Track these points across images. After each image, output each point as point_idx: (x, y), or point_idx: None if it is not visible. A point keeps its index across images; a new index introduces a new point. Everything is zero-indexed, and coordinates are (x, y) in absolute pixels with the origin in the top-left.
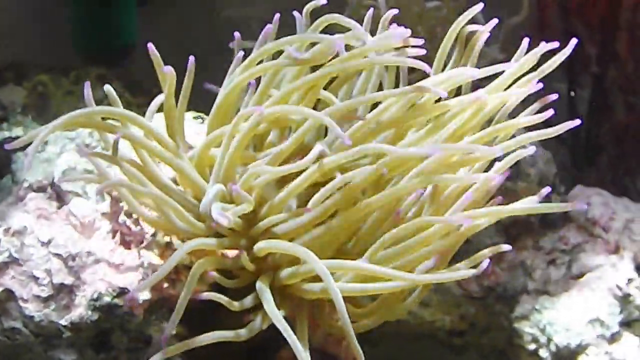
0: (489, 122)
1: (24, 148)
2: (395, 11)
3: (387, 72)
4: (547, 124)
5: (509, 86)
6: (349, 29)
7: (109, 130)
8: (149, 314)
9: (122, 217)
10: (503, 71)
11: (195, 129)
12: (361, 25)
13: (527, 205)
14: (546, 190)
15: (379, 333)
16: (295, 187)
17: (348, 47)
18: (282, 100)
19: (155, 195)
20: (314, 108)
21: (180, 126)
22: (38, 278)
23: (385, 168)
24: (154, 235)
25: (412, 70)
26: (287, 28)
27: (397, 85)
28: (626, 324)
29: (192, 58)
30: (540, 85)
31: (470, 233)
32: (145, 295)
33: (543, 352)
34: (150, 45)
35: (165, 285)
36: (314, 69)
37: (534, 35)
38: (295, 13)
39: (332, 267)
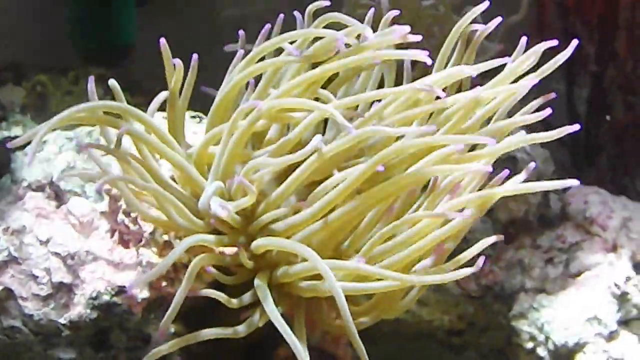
0: (488, 122)
1: (23, 147)
2: (396, 12)
3: (389, 70)
4: (546, 123)
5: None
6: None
7: (112, 125)
8: (148, 312)
9: (120, 216)
10: (501, 68)
11: (192, 128)
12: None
13: (520, 185)
14: (532, 165)
15: (377, 332)
16: (294, 179)
17: (348, 47)
18: (281, 98)
19: (155, 190)
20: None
21: (181, 123)
22: (37, 277)
23: (381, 166)
24: (152, 234)
25: (412, 67)
26: (287, 28)
27: (399, 84)
28: (624, 323)
29: (195, 56)
30: (536, 80)
31: (464, 225)
32: (143, 294)
33: (541, 351)
34: (163, 40)
35: (164, 283)
36: (315, 66)
37: (533, 34)
38: (296, 13)
39: (332, 267)
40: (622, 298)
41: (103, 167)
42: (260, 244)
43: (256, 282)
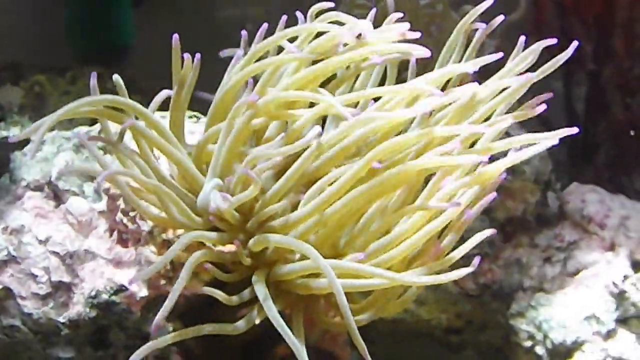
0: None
1: (22, 147)
2: (399, 14)
3: (390, 70)
4: (545, 122)
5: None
6: None
7: (115, 120)
8: (147, 311)
9: (119, 216)
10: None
11: (190, 128)
12: None
13: (512, 156)
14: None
15: (376, 332)
16: (292, 173)
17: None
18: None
19: (156, 186)
20: (310, 106)
21: (182, 122)
22: (36, 276)
23: (378, 163)
24: (151, 232)
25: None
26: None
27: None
28: (622, 321)
29: (197, 55)
30: (531, 75)
31: (461, 217)
32: (142, 293)
33: (539, 349)
34: (176, 36)
35: (163, 282)
36: (315, 63)
37: (531, 33)
38: (298, 13)
39: (334, 267)
40: (620, 296)
41: (103, 163)
42: (259, 241)
43: (254, 279)
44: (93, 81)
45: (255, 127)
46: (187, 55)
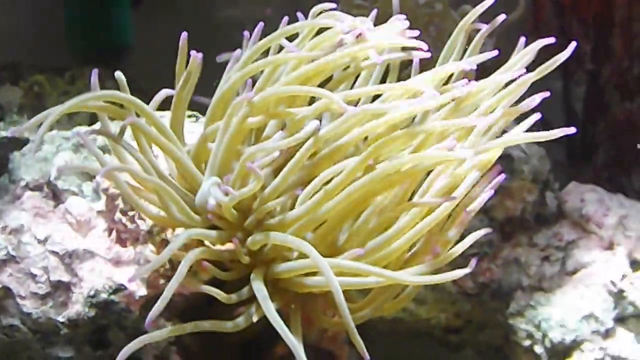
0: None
1: (21, 147)
2: (403, 17)
3: (392, 70)
4: (543, 122)
5: (506, 84)
6: None
7: (117, 115)
8: (146, 310)
9: (117, 215)
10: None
11: (189, 127)
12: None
13: (509, 137)
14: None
15: (375, 331)
16: (290, 168)
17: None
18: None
19: (156, 183)
20: (310, 105)
21: (182, 121)
22: (35, 275)
23: (372, 160)
24: (149, 232)
25: (409, 63)
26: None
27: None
28: (620, 320)
29: (200, 54)
30: (524, 71)
31: (451, 209)
32: (141, 292)
33: (538, 348)
34: (184, 35)
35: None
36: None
37: (530, 33)
38: (299, 14)
39: (332, 266)
40: (619, 295)
41: (102, 161)
42: (257, 239)
43: (252, 278)
44: (94, 78)
45: (254, 125)
46: (194, 53)
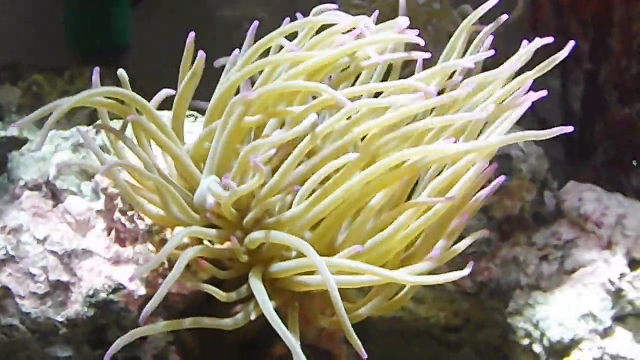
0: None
1: (19, 147)
2: (406, 19)
3: (394, 70)
4: (541, 121)
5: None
6: None
7: (121, 112)
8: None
9: (116, 215)
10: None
11: (188, 127)
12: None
13: (507, 136)
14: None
15: (374, 330)
16: (288, 165)
17: None
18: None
19: (157, 180)
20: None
21: (183, 120)
22: (34, 275)
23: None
24: (148, 231)
25: (408, 63)
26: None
27: None
28: (619, 319)
29: (202, 52)
30: (530, 81)
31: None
32: (140, 291)
33: (536, 347)
34: (191, 35)
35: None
36: None
37: (528, 32)
38: (298, 14)
39: (329, 264)
40: (617, 294)
41: (102, 159)
42: (255, 237)
43: (251, 277)
44: (95, 76)
45: (253, 124)
46: (200, 53)
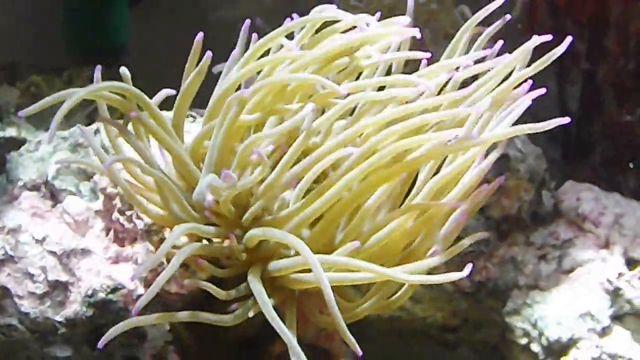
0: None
1: (18, 147)
2: (408, 19)
3: (395, 70)
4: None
5: (502, 81)
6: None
7: (125, 108)
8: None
9: (115, 215)
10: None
11: (186, 127)
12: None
13: (505, 130)
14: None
15: (373, 330)
16: (285, 162)
17: None
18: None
19: (158, 176)
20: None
21: (183, 119)
22: (33, 275)
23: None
24: (147, 231)
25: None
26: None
27: None
28: (617, 318)
29: (209, 53)
30: (525, 70)
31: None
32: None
33: (535, 347)
34: (199, 36)
35: None
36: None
37: (524, 33)
38: (295, 15)
39: (325, 262)
40: (615, 294)
41: (102, 157)
42: (252, 234)
43: (249, 275)
44: (97, 74)
45: (251, 122)
46: (208, 53)
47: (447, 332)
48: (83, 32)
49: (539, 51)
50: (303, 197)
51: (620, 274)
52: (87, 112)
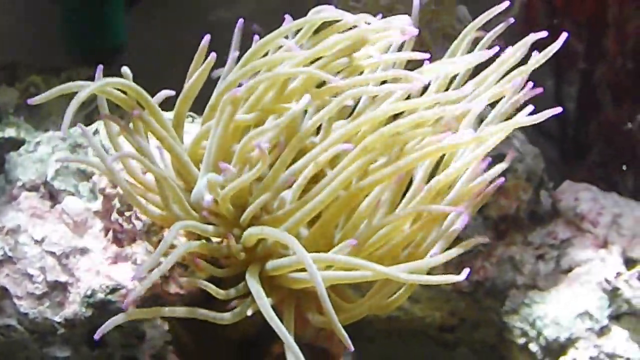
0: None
1: (17, 148)
2: (410, 19)
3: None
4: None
5: (500, 79)
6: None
7: (128, 106)
8: None
9: (114, 215)
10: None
11: (185, 127)
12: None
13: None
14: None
15: (371, 330)
16: (283, 161)
17: None
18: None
19: (159, 174)
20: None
21: (183, 120)
22: (32, 276)
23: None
24: (146, 232)
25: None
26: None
27: None
28: (615, 318)
29: (213, 54)
30: (523, 68)
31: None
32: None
33: (533, 346)
34: (206, 39)
35: (159, 281)
36: (314, 63)
37: (522, 33)
38: (287, 16)
39: (324, 260)
40: (613, 293)
41: (102, 156)
42: (251, 232)
43: (247, 274)
44: (99, 73)
45: (250, 122)
46: (212, 54)
47: (445, 332)
48: (82, 32)
49: (538, 51)
50: (301, 196)
51: (618, 274)
52: (85, 113)
